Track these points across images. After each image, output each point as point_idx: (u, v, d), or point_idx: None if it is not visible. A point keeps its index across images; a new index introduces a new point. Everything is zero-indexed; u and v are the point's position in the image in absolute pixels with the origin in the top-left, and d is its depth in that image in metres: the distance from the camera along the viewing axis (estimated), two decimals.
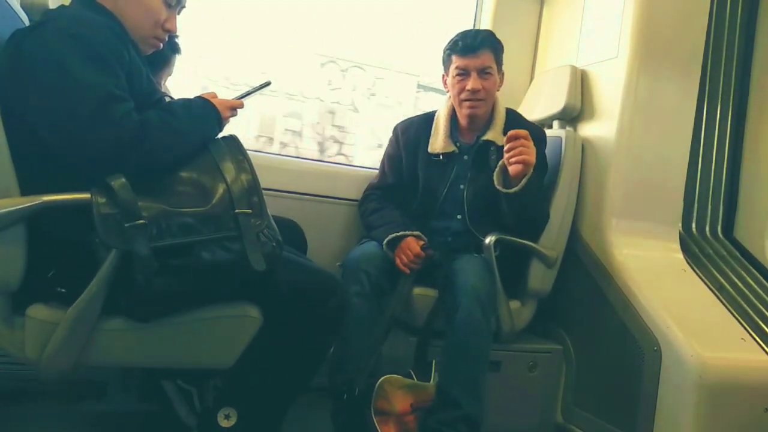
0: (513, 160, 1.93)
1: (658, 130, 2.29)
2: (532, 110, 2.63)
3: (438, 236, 2.22)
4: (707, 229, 2.56)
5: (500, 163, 2.02)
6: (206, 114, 1.50)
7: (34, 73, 1.32)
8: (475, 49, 2.16)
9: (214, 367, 1.60)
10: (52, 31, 1.34)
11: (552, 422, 2.35)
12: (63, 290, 1.38)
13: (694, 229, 2.53)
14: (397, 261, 2.10)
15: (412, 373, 1.99)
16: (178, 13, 1.60)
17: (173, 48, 1.96)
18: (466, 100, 2.19)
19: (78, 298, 1.32)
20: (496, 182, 2.03)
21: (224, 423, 1.52)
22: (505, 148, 1.95)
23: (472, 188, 2.21)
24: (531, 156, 1.93)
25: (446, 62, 2.26)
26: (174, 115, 1.43)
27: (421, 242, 2.11)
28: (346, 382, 1.95)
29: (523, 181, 1.96)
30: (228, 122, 1.57)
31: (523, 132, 1.93)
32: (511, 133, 1.94)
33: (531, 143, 1.94)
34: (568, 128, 2.45)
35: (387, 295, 2.08)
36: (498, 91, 2.26)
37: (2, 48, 1.38)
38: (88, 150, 1.30)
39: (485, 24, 2.86)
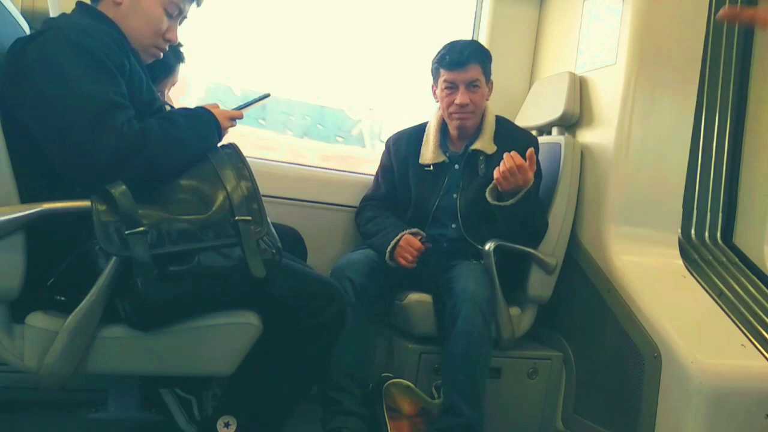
0: (507, 179, 1.97)
1: (656, 136, 2.30)
2: (531, 116, 2.64)
3: (433, 243, 2.23)
4: (706, 235, 2.56)
5: (494, 182, 2.04)
6: (207, 123, 1.51)
7: (34, 81, 1.32)
8: (463, 64, 2.16)
9: (214, 374, 1.59)
10: (53, 40, 1.34)
11: (552, 429, 2.34)
12: (62, 298, 1.38)
13: (693, 236, 2.53)
14: (401, 262, 2.10)
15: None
16: (180, 24, 1.61)
17: (177, 56, 1.97)
18: (455, 113, 2.20)
19: (78, 306, 1.32)
20: (489, 198, 2.05)
21: (224, 431, 1.52)
22: (505, 166, 1.97)
23: (465, 197, 2.22)
24: (527, 181, 1.98)
25: (434, 74, 2.27)
26: (175, 123, 1.43)
27: (419, 236, 2.14)
28: (336, 387, 1.96)
29: (520, 195, 1.99)
30: (227, 132, 1.58)
31: (532, 158, 1.97)
32: (503, 170, 1.97)
33: (531, 167, 1.98)
34: (566, 134, 2.46)
35: (374, 301, 2.09)
36: (487, 100, 2.27)
37: (3, 56, 1.38)
38: (89, 158, 1.30)
39: (484, 31, 2.87)
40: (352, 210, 2.48)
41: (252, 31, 2.85)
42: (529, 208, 2.06)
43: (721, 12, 0.86)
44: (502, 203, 2.02)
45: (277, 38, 2.91)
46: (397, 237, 2.13)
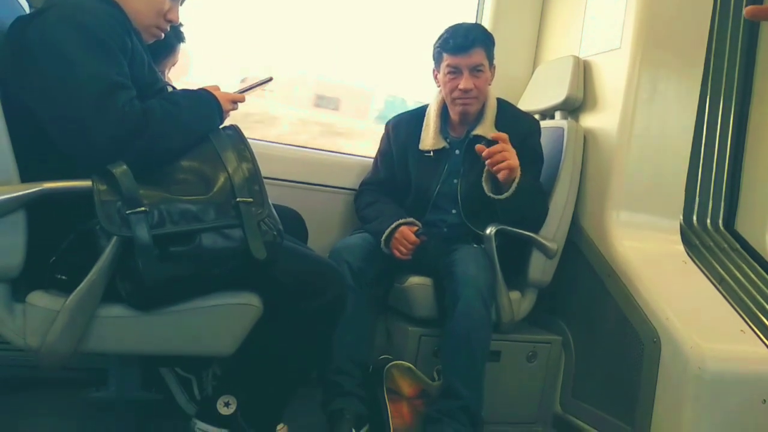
0: (495, 168, 1.95)
1: (660, 121, 2.28)
2: (534, 101, 2.62)
3: (433, 228, 2.23)
4: (708, 221, 2.56)
5: (485, 170, 2.03)
6: (208, 105, 1.50)
7: (35, 61, 1.31)
8: (467, 48, 2.13)
9: (215, 354, 1.60)
10: (54, 19, 1.33)
11: (551, 412, 2.36)
12: (64, 277, 1.38)
13: (695, 221, 2.53)
14: (396, 254, 2.10)
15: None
16: (181, 4, 1.60)
17: (178, 37, 1.96)
18: (458, 98, 2.18)
19: (79, 286, 1.32)
20: (486, 190, 2.04)
21: (224, 411, 1.53)
22: (485, 154, 1.95)
23: (465, 183, 2.21)
24: (513, 159, 1.95)
25: (437, 59, 2.23)
26: (176, 104, 1.43)
27: (415, 228, 2.13)
28: (336, 370, 1.97)
29: (513, 186, 1.97)
30: (229, 115, 1.58)
31: (502, 136, 1.95)
32: (479, 147, 1.96)
33: (509, 146, 1.95)
34: (570, 119, 2.45)
35: (372, 284, 2.09)
36: (489, 85, 2.24)
37: (4, 35, 1.37)
38: (91, 138, 1.30)
39: (488, 14, 2.85)
40: (353, 192, 2.48)
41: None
42: (527, 199, 2.05)
43: (748, 9, 0.82)
44: (498, 197, 2.01)
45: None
46: (392, 226, 2.12)
